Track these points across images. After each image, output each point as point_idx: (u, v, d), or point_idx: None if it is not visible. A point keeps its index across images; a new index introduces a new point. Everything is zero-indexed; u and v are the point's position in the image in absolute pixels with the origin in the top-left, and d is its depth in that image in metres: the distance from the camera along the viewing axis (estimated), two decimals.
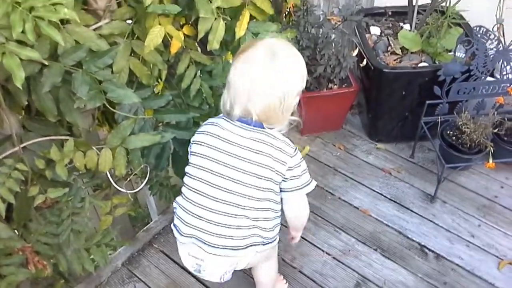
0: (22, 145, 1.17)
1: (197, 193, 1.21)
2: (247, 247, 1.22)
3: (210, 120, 1.26)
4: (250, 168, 1.15)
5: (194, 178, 1.22)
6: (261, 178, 1.16)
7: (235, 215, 1.18)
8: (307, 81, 2.01)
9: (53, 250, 1.40)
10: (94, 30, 1.21)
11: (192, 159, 1.24)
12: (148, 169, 1.49)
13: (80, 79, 1.08)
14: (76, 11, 1.05)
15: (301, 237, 1.85)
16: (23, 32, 0.87)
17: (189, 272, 1.77)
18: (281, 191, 1.24)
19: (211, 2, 1.30)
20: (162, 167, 1.54)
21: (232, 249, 1.20)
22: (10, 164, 1.10)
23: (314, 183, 1.28)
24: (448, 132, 1.98)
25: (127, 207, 1.69)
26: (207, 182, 1.20)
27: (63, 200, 1.35)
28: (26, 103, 1.15)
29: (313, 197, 2.02)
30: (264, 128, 1.15)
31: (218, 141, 1.18)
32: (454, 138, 1.95)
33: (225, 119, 1.20)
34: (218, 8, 1.31)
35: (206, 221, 1.20)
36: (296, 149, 1.20)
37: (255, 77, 1.10)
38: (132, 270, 1.79)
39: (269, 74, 1.10)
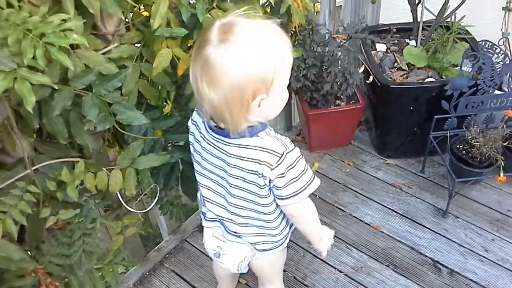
0: (33, 168, 1.20)
1: (207, 189, 1.25)
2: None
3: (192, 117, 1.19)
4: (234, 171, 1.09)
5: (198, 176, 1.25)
6: (245, 181, 1.09)
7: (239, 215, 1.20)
8: (314, 98, 2.06)
9: (65, 271, 1.41)
10: (103, 54, 1.24)
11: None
12: (158, 189, 1.50)
13: (90, 102, 1.11)
14: (85, 36, 1.09)
15: (312, 254, 1.87)
16: (34, 58, 0.90)
17: None
18: (275, 197, 1.12)
19: None
20: (171, 187, 1.56)
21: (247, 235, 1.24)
22: (22, 187, 1.12)
23: (315, 183, 1.11)
24: (458, 146, 1.97)
25: (137, 227, 1.70)
26: (206, 187, 1.24)
27: (75, 221, 1.37)
28: (38, 126, 1.17)
29: (323, 214, 2.02)
30: (242, 137, 1.02)
31: (203, 142, 1.14)
32: (464, 152, 1.95)
33: (205, 124, 1.11)
34: None
35: (226, 211, 1.23)
36: (282, 155, 1.02)
37: (214, 68, 0.91)
38: None
39: (225, 64, 0.91)
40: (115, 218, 1.57)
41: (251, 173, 1.05)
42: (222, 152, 1.08)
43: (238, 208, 1.18)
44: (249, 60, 0.92)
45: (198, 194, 1.33)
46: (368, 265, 1.82)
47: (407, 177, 2.18)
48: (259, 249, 1.28)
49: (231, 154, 1.06)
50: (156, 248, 1.92)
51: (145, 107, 1.41)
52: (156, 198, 1.50)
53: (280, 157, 1.02)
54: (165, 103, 1.53)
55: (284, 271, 1.80)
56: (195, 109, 1.18)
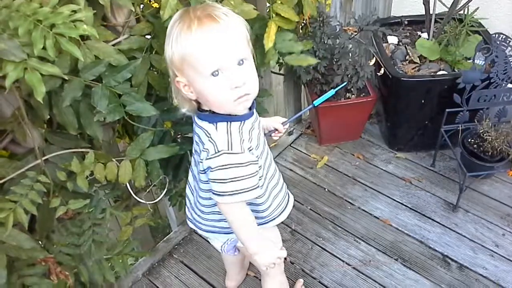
0: (44, 158, 1.21)
1: None
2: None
3: None
4: None
5: None
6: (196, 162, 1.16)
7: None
8: (324, 91, 2.05)
9: (75, 261, 1.43)
10: (113, 45, 1.25)
11: None
12: (167, 180, 1.51)
13: (100, 93, 1.12)
14: (95, 27, 1.09)
15: (320, 247, 1.87)
16: (44, 48, 0.90)
17: (209, 283, 1.78)
18: None
19: None
20: (180, 178, 1.57)
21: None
22: (32, 177, 1.13)
23: (239, 197, 1.05)
24: (469, 140, 1.96)
25: (147, 218, 1.71)
26: None
27: (85, 211, 1.38)
28: (48, 117, 1.18)
29: (332, 206, 2.02)
30: (204, 120, 1.08)
31: None
32: (475, 146, 1.93)
33: None
34: None
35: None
36: (219, 152, 1.03)
37: None
38: (152, 281, 1.80)
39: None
40: (125, 209, 1.58)
41: (199, 153, 1.10)
42: (194, 131, 1.13)
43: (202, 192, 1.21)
44: (167, 41, 1.00)
45: None
46: (376, 258, 1.82)
47: (417, 170, 2.17)
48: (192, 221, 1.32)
49: (195, 131, 1.11)
50: (165, 239, 1.93)
51: (154, 99, 1.42)
52: (165, 189, 1.51)
53: (216, 152, 1.02)
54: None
55: (292, 263, 1.81)
56: None
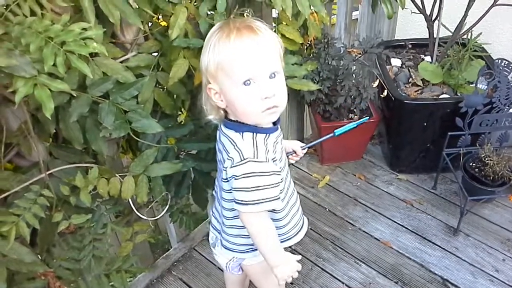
0: (48, 172, 1.21)
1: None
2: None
3: None
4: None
5: None
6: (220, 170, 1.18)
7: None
8: (327, 111, 2.06)
9: (74, 275, 1.42)
10: (121, 62, 1.26)
11: None
12: (169, 196, 1.51)
13: (107, 109, 1.12)
14: (104, 45, 1.11)
15: (320, 267, 1.87)
16: (54, 65, 0.91)
17: None
18: None
19: None
20: (182, 195, 1.57)
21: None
22: (36, 190, 1.13)
23: (262, 207, 1.06)
24: (471, 164, 1.96)
25: (147, 234, 1.70)
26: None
27: (86, 226, 1.38)
28: (54, 131, 1.19)
29: (333, 227, 2.02)
30: (230, 128, 1.11)
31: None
32: (477, 170, 1.93)
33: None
34: None
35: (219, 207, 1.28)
36: (245, 159, 1.04)
37: None
38: None
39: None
40: (126, 224, 1.57)
41: (223, 161, 1.11)
42: (219, 140, 1.16)
43: (217, 201, 1.25)
44: (204, 49, 1.08)
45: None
46: (376, 281, 1.81)
47: (419, 193, 2.17)
48: (225, 246, 1.30)
49: (220, 140, 1.14)
50: (164, 255, 1.93)
51: (159, 116, 1.43)
52: (167, 206, 1.51)
53: (241, 160, 1.04)
54: (179, 112, 1.55)
55: (292, 283, 1.80)
56: None
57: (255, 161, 1.05)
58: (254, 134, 1.07)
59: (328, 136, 1.48)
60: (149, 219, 1.50)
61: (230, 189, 1.10)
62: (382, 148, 2.38)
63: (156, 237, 1.88)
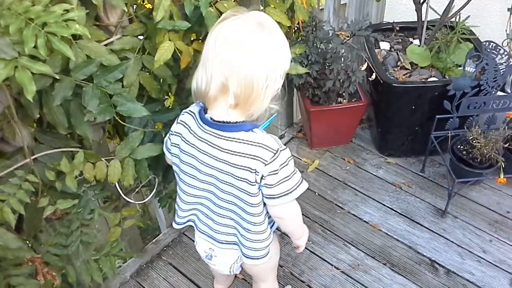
0: (33, 157, 1.20)
1: (194, 197, 1.22)
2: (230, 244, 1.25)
3: (189, 109, 1.16)
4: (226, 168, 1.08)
5: (186, 184, 1.21)
6: (235, 178, 1.07)
7: (223, 215, 1.19)
8: (316, 95, 2.06)
9: (62, 261, 1.42)
10: (106, 45, 1.24)
11: (175, 158, 1.20)
12: (156, 181, 1.50)
13: (91, 93, 1.11)
14: (87, 27, 1.09)
15: (309, 250, 1.87)
16: (35, 47, 0.90)
17: (197, 285, 1.77)
18: (264, 197, 1.09)
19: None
20: (170, 180, 1.56)
21: (233, 243, 1.25)
22: (21, 176, 1.12)
23: (304, 185, 1.10)
24: (459, 146, 1.97)
25: (136, 219, 1.70)
26: (197, 187, 1.19)
27: (73, 211, 1.37)
28: (38, 116, 1.18)
29: (322, 210, 2.03)
30: (238, 131, 1.04)
31: (193, 138, 1.11)
32: (464, 152, 1.94)
33: (197, 119, 1.10)
34: None
35: (212, 221, 1.22)
36: (277, 151, 1.02)
37: (243, 44, 0.96)
38: (140, 282, 1.79)
39: (259, 43, 0.97)
40: (114, 210, 1.57)
41: (242, 168, 1.04)
42: (214, 147, 1.07)
43: (224, 217, 1.18)
44: (283, 49, 1.02)
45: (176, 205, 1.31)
46: (365, 263, 1.83)
47: (407, 176, 2.18)
48: (249, 256, 1.23)
49: (223, 148, 1.05)
50: (154, 240, 1.93)
51: (146, 100, 1.42)
52: (154, 190, 1.50)
53: (275, 153, 1.02)
54: (166, 96, 1.53)
55: (281, 266, 1.81)
56: (183, 111, 1.17)
57: (284, 149, 1.05)
58: (258, 127, 1.07)
59: None
60: (136, 202, 1.50)
61: (258, 192, 1.07)
62: (371, 132, 2.38)
63: (145, 222, 1.88)
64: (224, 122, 1.04)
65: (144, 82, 1.35)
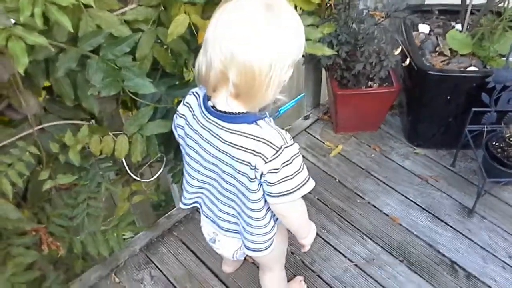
0: (38, 127, 1.17)
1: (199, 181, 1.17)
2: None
3: (196, 90, 1.08)
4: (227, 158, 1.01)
5: (191, 167, 1.16)
6: (235, 171, 1.01)
7: (226, 204, 1.13)
8: (345, 77, 1.95)
9: (68, 233, 1.41)
10: (118, 15, 1.18)
11: (181, 140, 1.15)
12: (165, 159, 1.46)
13: (95, 66, 1.06)
14: None
15: (324, 239, 1.81)
16: (32, 15, 0.84)
17: (206, 265, 1.75)
18: (265, 193, 1.02)
19: None
20: (182, 157, 1.52)
21: (236, 231, 1.19)
22: (22, 147, 1.09)
23: (309, 185, 1.01)
24: (494, 143, 1.83)
25: (149, 192, 1.67)
26: (196, 179, 1.16)
27: (81, 183, 1.35)
28: (43, 85, 1.14)
29: (341, 198, 1.95)
30: (240, 122, 0.96)
31: (196, 124, 1.05)
32: (499, 150, 1.81)
33: (201, 104, 1.03)
34: None
35: (216, 208, 1.17)
36: (280, 148, 0.94)
37: (245, 27, 0.85)
38: (149, 256, 1.78)
39: (265, 27, 0.85)
40: (124, 183, 1.54)
41: (241, 163, 0.97)
42: (216, 137, 1.00)
43: (227, 205, 1.13)
44: (294, 35, 0.90)
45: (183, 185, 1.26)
46: (381, 258, 1.75)
47: (436, 169, 2.06)
48: (250, 248, 1.17)
49: (224, 139, 0.98)
50: (166, 215, 1.90)
51: (161, 74, 1.36)
52: (162, 169, 1.46)
53: (277, 151, 0.94)
54: (186, 70, 1.47)
55: (293, 253, 1.76)
56: (191, 91, 1.09)
57: (289, 146, 0.96)
58: (264, 119, 0.98)
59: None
60: (142, 180, 1.46)
61: (258, 188, 1.00)
62: (401, 119, 2.26)
63: (158, 195, 1.85)
64: (225, 113, 0.96)
65: (158, 56, 1.29)
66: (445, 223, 1.86)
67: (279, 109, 1.34)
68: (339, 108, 2.07)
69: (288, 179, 0.97)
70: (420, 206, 1.92)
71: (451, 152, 2.09)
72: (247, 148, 0.96)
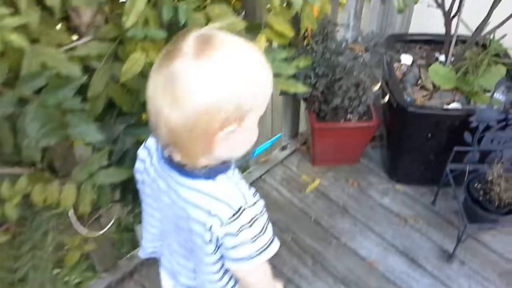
0: None
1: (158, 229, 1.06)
2: None
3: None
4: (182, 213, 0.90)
5: (149, 215, 1.04)
6: (192, 232, 0.90)
7: (186, 257, 1.02)
8: (322, 110, 1.85)
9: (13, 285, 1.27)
10: (69, 50, 1.06)
11: (140, 184, 1.03)
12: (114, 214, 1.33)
13: (33, 112, 0.93)
14: (48, 29, 0.96)
15: (296, 284, 1.69)
16: None
17: None
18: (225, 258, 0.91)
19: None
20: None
21: None
22: None
23: (272, 249, 0.88)
24: (476, 185, 1.75)
25: (106, 235, 1.53)
26: (160, 222, 1.03)
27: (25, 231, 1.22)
28: None
29: (316, 239, 1.84)
30: (196, 178, 0.84)
31: (153, 172, 0.94)
32: (481, 192, 1.72)
33: (159, 150, 0.92)
34: None
35: (175, 262, 1.06)
36: (239, 210, 0.82)
37: (167, 78, 0.72)
38: None
39: (188, 74, 0.71)
40: (76, 231, 1.40)
41: (196, 222, 0.86)
42: (172, 190, 0.89)
43: (187, 260, 1.01)
44: (228, 81, 0.73)
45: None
46: None
47: (416, 208, 1.97)
48: None
49: (180, 194, 0.87)
50: (128, 256, 1.76)
51: (118, 112, 1.24)
52: (112, 221, 1.34)
53: (235, 213, 0.82)
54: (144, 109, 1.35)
55: None
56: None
57: (250, 206, 0.84)
58: (226, 174, 0.86)
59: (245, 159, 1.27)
60: (89, 235, 1.33)
61: (215, 250, 0.89)
62: (382, 153, 2.16)
63: (119, 235, 1.72)
64: (181, 165, 0.84)
65: (113, 94, 1.16)
66: (424, 268, 1.76)
67: (254, 150, 1.23)
68: (316, 141, 1.97)
69: (248, 244, 0.85)
70: (398, 249, 1.82)
71: (432, 189, 2.00)
72: (202, 207, 0.84)
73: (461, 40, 1.92)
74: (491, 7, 1.75)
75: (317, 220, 1.91)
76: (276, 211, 1.92)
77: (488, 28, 1.84)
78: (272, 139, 1.18)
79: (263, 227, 0.87)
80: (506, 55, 1.90)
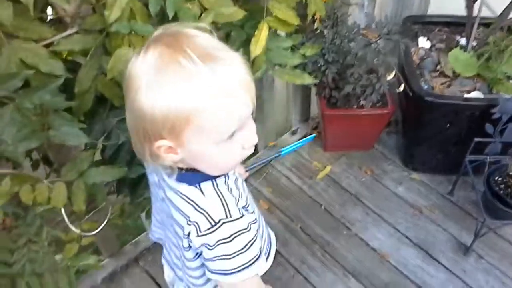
0: None
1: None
2: None
3: None
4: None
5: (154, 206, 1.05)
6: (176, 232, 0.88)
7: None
8: (334, 96, 1.76)
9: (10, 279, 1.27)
10: (50, 45, 1.01)
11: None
12: (109, 210, 1.30)
13: (8, 117, 0.89)
14: (26, 22, 0.91)
15: (303, 276, 1.66)
16: None
17: None
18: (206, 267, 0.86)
19: (200, 17, 1.08)
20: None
21: None
22: None
23: (255, 268, 0.82)
24: (496, 178, 1.65)
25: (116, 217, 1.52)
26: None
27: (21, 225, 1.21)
28: None
29: (326, 229, 1.78)
30: (180, 181, 0.81)
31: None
32: (502, 186, 1.62)
33: None
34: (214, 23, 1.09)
35: (174, 254, 1.03)
36: (217, 223, 0.78)
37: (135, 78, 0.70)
38: None
39: (141, 72, 0.69)
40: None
41: (178, 226, 0.84)
42: (162, 188, 0.88)
43: (176, 256, 0.99)
44: (166, 91, 0.67)
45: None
46: None
47: (432, 198, 1.88)
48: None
49: (166, 194, 0.86)
50: (133, 241, 1.75)
51: (110, 105, 1.19)
52: (107, 219, 1.31)
53: (213, 226, 0.78)
54: None
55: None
56: None
57: (230, 221, 0.79)
58: (214, 182, 0.80)
59: (273, 156, 1.21)
60: (86, 234, 1.31)
61: (196, 257, 0.86)
62: (397, 139, 2.06)
63: (124, 220, 1.69)
64: (167, 166, 0.80)
65: (103, 89, 1.11)
66: (438, 262, 1.69)
67: (281, 150, 1.20)
68: (327, 127, 1.89)
69: (225, 259, 0.80)
70: (412, 241, 1.75)
71: (450, 179, 1.90)
72: (183, 213, 0.81)
73: (484, 24, 1.77)
74: None
75: (327, 209, 1.85)
76: (285, 198, 1.87)
77: None
78: (305, 139, 1.16)
79: (248, 243, 0.81)
80: None
